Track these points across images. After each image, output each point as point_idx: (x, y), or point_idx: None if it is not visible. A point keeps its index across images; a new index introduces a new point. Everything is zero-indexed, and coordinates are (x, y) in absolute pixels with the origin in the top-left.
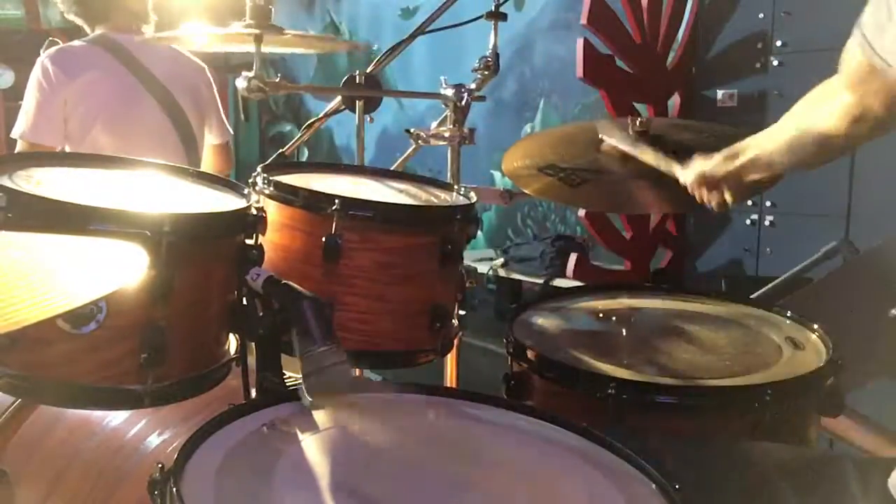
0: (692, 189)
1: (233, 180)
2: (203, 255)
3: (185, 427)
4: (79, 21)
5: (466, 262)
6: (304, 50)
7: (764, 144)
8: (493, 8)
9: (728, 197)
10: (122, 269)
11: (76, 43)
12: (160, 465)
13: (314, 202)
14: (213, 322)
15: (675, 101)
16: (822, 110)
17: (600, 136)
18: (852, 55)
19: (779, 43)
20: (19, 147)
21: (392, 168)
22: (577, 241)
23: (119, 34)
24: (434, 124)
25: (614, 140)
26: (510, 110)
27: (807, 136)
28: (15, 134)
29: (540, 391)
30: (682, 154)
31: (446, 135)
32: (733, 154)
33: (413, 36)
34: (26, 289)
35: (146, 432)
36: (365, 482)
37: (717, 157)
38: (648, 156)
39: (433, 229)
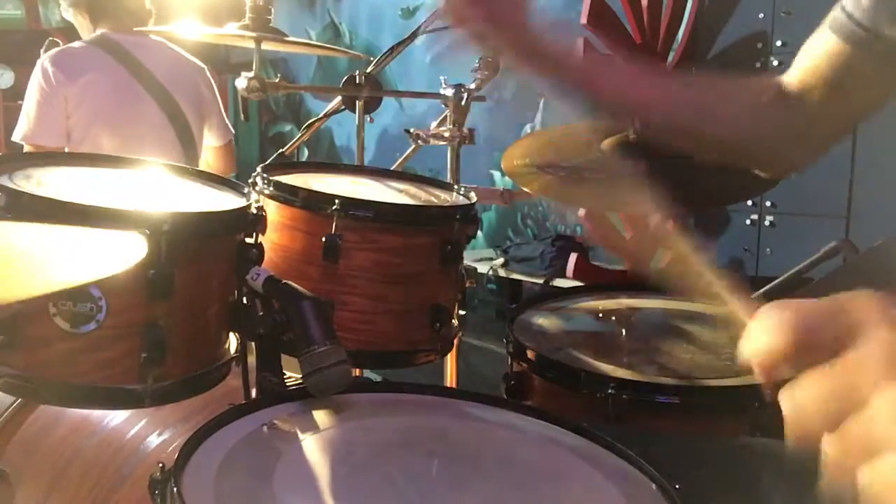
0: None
1: (233, 180)
2: (203, 255)
3: (185, 427)
4: (77, 22)
5: (466, 262)
6: (305, 51)
7: None
8: None
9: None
10: (117, 256)
11: (76, 44)
12: (161, 465)
13: (314, 202)
14: (213, 322)
15: None
16: None
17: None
18: None
19: (779, 43)
20: (25, 150)
21: (392, 168)
22: (577, 241)
23: (119, 34)
24: (434, 124)
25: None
26: (510, 110)
27: None
28: (17, 137)
29: (540, 391)
30: (682, 159)
31: (446, 135)
32: None
33: (413, 36)
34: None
35: (146, 432)
36: (365, 482)
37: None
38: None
39: (433, 229)
